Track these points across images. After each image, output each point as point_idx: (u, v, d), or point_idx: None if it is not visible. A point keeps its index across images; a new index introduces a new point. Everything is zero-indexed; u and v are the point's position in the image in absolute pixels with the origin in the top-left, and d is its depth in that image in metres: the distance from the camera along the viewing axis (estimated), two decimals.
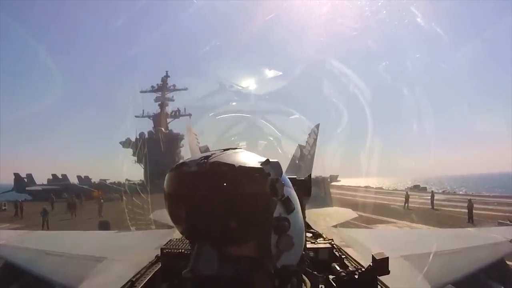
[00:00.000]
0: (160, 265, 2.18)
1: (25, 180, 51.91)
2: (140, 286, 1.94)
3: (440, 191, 47.26)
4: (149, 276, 2.06)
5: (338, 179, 44.62)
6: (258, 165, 1.03)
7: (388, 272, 1.51)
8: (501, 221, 16.15)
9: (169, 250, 2.12)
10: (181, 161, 1.11)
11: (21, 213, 26.34)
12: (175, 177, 1.05)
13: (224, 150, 1.09)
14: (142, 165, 50.77)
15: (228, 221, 0.96)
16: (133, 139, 55.89)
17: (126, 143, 56.64)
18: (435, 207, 25.60)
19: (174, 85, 63.36)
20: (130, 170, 47.96)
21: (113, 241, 4.58)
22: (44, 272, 3.26)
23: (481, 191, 48.50)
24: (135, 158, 54.39)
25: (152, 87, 62.44)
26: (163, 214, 7.98)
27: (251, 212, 0.99)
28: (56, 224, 20.46)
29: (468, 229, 7.71)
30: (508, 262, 3.71)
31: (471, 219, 19.04)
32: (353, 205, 16.10)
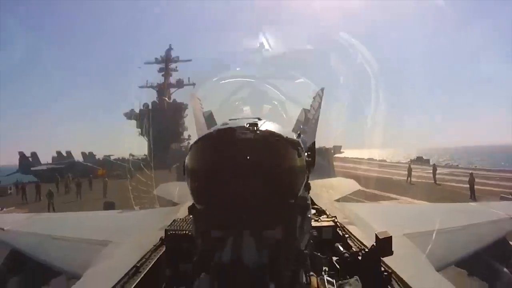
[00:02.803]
0: (164, 248, 2.19)
1: (30, 159, 51.26)
2: (145, 272, 1.95)
3: (443, 164, 46.80)
4: (154, 261, 2.08)
5: (341, 150, 43.57)
6: (296, 138, 1.01)
7: (391, 253, 1.47)
8: (503, 195, 15.97)
9: (174, 232, 2.12)
10: (216, 128, 1.03)
11: (25, 196, 25.54)
12: (222, 143, 0.96)
13: (257, 119, 1.04)
14: (146, 138, 50.80)
15: (272, 193, 0.92)
16: (137, 110, 55.90)
17: (130, 114, 56.49)
18: (437, 182, 25.33)
19: (178, 57, 62.31)
20: (133, 144, 48.22)
21: (118, 223, 4.63)
22: (49, 259, 3.33)
23: (487, 164, 47.33)
24: (139, 130, 54.48)
25: (156, 58, 61.51)
26: (167, 189, 8.06)
27: (293, 184, 0.97)
28: (62, 207, 20.36)
29: (471, 203, 7.67)
30: (510, 242, 3.72)
31: (473, 195, 18.67)
32: (355, 180, 15.95)
